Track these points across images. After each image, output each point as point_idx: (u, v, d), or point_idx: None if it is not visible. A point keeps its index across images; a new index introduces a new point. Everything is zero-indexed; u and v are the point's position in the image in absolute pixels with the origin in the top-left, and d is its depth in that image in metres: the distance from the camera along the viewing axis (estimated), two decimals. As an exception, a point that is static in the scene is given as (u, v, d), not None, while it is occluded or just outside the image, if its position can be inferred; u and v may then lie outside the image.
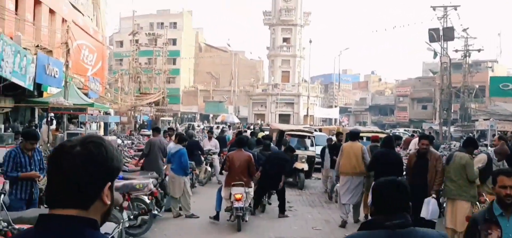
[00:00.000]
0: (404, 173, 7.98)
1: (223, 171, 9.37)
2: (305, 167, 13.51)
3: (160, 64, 71.63)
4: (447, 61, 29.38)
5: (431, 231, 2.39)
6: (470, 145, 7.07)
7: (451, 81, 29.89)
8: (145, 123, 34.04)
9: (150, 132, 27.48)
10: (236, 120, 50.33)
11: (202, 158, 13.69)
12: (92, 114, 18.72)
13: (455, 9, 38.49)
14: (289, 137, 14.54)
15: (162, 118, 34.13)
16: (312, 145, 14.94)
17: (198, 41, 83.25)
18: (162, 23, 75.11)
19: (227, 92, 63.60)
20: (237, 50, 73.21)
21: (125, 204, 7.33)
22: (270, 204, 10.58)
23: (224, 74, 70.30)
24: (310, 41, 46.32)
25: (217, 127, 31.01)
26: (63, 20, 24.45)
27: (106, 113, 21.56)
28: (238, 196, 8.23)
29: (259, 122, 48.97)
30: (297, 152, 13.22)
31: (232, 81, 58.39)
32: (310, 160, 14.03)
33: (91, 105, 21.00)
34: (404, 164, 8.40)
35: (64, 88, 19.20)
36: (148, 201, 7.89)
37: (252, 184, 8.78)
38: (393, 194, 2.14)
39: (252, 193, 8.77)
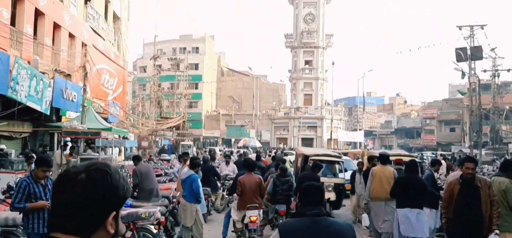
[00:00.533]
0: (442, 205, 6.75)
1: (235, 194, 9.28)
2: (332, 196, 11.80)
3: (182, 89, 72.30)
4: (475, 81, 28.13)
5: (339, 220, 3.45)
6: (510, 168, 6.20)
7: (480, 102, 28.57)
8: (166, 148, 33.70)
9: (170, 157, 27.11)
10: (258, 144, 49.62)
11: (219, 184, 13.05)
12: (107, 139, 18.34)
13: (482, 29, 37.34)
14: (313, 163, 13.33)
15: (182, 142, 33.73)
16: (341, 171, 13.20)
17: (220, 65, 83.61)
18: (184, 48, 75.89)
19: (249, 116, 63.22)
20: (259, 74, 73.10)
21: (128, 234, 6.71)
22: None
23: (246, 98, 70.14)
24: (333, 63, 45.63)
25: (238, 152, 30.45)
26: (83, 45, 24.49)
27: (125, 137, 21.23)
28: (253, 218, 8.38)
29: (281, 145, 48.17)
30: (323, 179, 11.33)
31: (254, 104, 57.91)
32: (338, 188, 12.20)
33: (109, 129, 20.73)
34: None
35: (82, 112, 18.96)
36: (154, 231, 7.28)
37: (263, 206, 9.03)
38: (312, 192, 3.16)
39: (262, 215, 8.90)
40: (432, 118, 68.91)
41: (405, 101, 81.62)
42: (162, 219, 7.76)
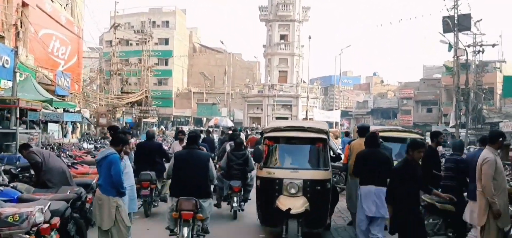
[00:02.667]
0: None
1: None
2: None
3: (146, 62, 68.57)
4: (462, 54, 26.00)
5: None
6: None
7: (468, 76, 26.49)
8: (127, 125, 30.54)
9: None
10: (230, 123, 46.84)
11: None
12: (36, 111, 15.06)
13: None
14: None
15: (145, 120, 30.60)
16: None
17: (192, 41, 79.86)
18: (154, 22, 71.87)
19: (222, 95, 60.21)
20: (233, 52, 69.93)
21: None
22: (243, 210, 9.47)
23: (219, 76, 66.87)
24: (310, 38, 42.88)
25: (208, 131, 27.49)
26: (24, 4, 21.05)
27: (66, 110, 18.09)
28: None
29: (254, 125, 45.57)
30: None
31: (226, 82, 54.94)
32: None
33: (48, 101, 17.57)
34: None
35: (13, 80, 15.76)
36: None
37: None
38: None
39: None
40: (409, 98, 67.57)
41: (382, 81, 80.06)
42: (55, 221, 4.99)
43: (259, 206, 7.44)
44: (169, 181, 9.54)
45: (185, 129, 38.73)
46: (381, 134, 8.06)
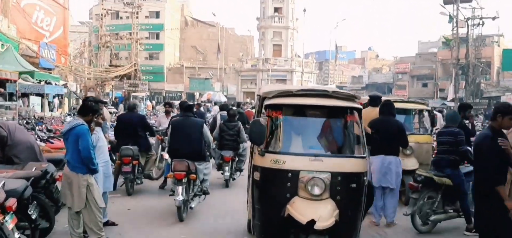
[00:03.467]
0: None
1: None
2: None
3: (142, 39, 67.04)
4: (463, 25, 25.16)
5: None
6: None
7: (468, 48, 25.71)
8: (116, 100, 29.58)
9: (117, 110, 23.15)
10: (223, 98, 45.96)
11: (153, 140, 9.51)
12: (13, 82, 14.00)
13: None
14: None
15: (134, 94, 29.62)
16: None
17: (183, 15, 78.09)
18: (144, -6, 69.96)
19: (215, 70, 59.04)
20: (226, 26, 68.48)
21: None
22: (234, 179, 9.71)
23: (212, 50, 65.47)
24: (305, 10, 41.86)
25: (199, 105, 26.61)
26: (2, -30, 19.85)
27: (48, 82, 17.13)
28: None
29: (248, 100, 44.77)
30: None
31: (219, 56, 53.77)
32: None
33: (29, 73, 16.59)
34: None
35: (-11, 50, 14.74)
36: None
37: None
38: None
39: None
40: (404, 73, 67.02)
41: (377, 56, 79.23)
42: (10, 203, 4.20)
43: (257, 213, 4.72)
44: (154, 157, 8.82)
45: (176, 103, 37.90)
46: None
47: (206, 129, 7.15)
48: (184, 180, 6.45)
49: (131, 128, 8.15)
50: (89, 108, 5.16)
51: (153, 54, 68.27)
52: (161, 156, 9.55)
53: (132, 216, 6.96)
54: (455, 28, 34.72)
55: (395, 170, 6.38)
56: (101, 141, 5.77)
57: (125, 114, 9.14)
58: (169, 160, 8.11)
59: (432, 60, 63.11)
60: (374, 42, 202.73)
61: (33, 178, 4.92)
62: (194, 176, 6.69)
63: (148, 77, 61.34)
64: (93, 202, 5.04)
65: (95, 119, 5.37)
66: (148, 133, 8.63)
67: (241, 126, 9.65)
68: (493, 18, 32.32)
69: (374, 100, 7.62)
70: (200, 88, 54.34)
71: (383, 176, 6.34)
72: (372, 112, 6.94)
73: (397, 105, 8.44)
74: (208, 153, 7.58)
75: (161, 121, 10.28)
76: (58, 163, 6.16)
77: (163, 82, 67.09)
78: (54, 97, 19.76)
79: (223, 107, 12.75)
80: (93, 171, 5.05)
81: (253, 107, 23.92)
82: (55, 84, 19.63)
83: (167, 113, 10.13)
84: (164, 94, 66.58)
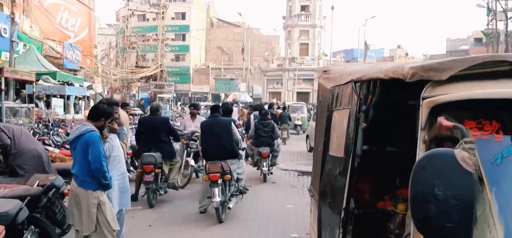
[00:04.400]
0: None
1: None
2: None
3: (168, 41, 66.96)
4: (502, 17, 23.55)
5: None
6: None
7: (506, 42, 24.04)
8: (142, 101, 29.12)
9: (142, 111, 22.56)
10: (249, 99, 45.14)
11: (179, 146, 8.71)
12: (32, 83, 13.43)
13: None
14: None
15: (160, 95, 29.07)
16: None
17: (209, 16, 77.78)
18: (170, -4, 70.07)
19: (240, 70, 58.31)
20: (251, 27, 67.73)
21: None
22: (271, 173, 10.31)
23: (237, 51, 64.76)
24: (332, 8, 40.51)
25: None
26: (26, -30, 19.53)
27: (69, 84, 16.59)
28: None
29: (274, 100, 43.81)
30: None
31: (245, 56, 52.99)
32: None
33: (51, 75, 16.11)
34: None
35: (10, 50, 14.30)
36: None
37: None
38: None
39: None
40: (435, 71, 64.69)
41: (407, 54, 76.91)
42: None
43: None
44: (178, 164, 8.01)
45: (202, 105, 37.31)
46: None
47: (234, 128, 7.02)
48: (220, 181, 6.41)
49: (154, 133, 7.37)
50: (101, 112, 4.37)
51: (179, 55, 68.20)
52: (187, 162, 8.77)
53: (153, 233, 6.14)
54: (492, 22, 33.05)
55: None
56: (117, 149, 4.96)
57: (147, 117, 8.40)
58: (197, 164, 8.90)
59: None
60: (403, 40, 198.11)
61: (28, 197, 4.11)
62: (229, 176, 6.61)
63: (174, 79, 61.28)
64: (105, 224, 4.24)
65: (109, 124, 4.57)
66: (172, 138, 7.81)
67: (275, 124, 10.47)
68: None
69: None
70: (226, 89, 53.67)
71: None
72: None
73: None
74: (239, 151, 7.25)
75: (186, 123, 9.50)
76: (65, 175, 5.39)
77: (189, 83, 66.89)
78: (79, 99, 19.27)
79: (256, 107, 13.76)
80: (105, 186, 4.25)
81: (278, 108, 23.05)
82: (80, 85, 19.16)
83: (192, 115, 9.34)
84: (190, 96, 66.33)
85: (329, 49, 47.66)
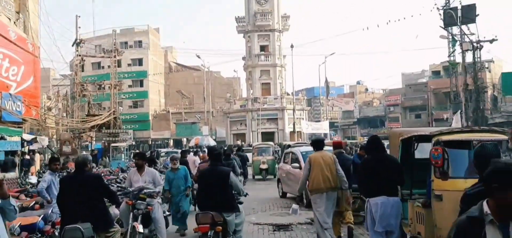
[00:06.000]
0: None
1: None
2: None
3: (125, 88, 64.70)
4: (469, 47, 23.34)
5: None
6: None
7: (476, 71, 23.82)
8: (94, 152, 26.86)
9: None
10: (212, 142, 43.41)
11: (119, 211, 6.95)
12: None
13: (458, -4, 33.07)
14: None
15: (114, 144, 26.90)
16: None
17: (167, 60, 76.47)
18: (126, 43, 68.54)
19: (202, 113, 56.68)
20: (212, 70, 66.90)
21: None
22: None
23: (198, 95, 63.43)
24: (292, 46, 40.14)
25: (189, 152, 23.88)
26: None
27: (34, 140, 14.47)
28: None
29: (239, 142, 42.29)
30: None
31: (206, 98, 51.57)
32: None
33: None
34: None
35: None
36: None
37: None
38: None
39: None
40: (396, 105, 65.45)
41: (366, 89, 77.89)
42: None
43: None
44: (118, 234, 6.21)
45: (163, 151, 35.19)
46: (447, 138, 5.64)
47: (233, 177, 6.54)
48: (210, 233, 6.01)
49: (80, 196, 5.56)
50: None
51: (137, 102, 66.18)
52: (134, 228, 6.95)
53: None
54: (453, 54, 33.23)
55: (396, 212, 5.94)
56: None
57: (68, 176, 6.58)
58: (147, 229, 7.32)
59: (423, 90, 61.99)
60: (362, 76, 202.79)
61: None
62: (220, 228, 6.13)
63: (132, 126, 58.88)
64: None
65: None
66: (107, 201, 6.04)
67: (235, 163, 10.94)
68: (491, 41, 30.76)
69: (317, 144, 7.75)
70: (187, 134, 51.78)
71: (386, 219, 5.82)
72: (324, 156, 7.41)
73: (458, 136, 6.09)
74: (237, 202, 6.83)
75: (132, 178, 7.70)
76: None
77: (149, 130, 64.58)
78: (11, 155, 16.99)
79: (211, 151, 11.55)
80: None
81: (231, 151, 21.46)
82: (21, 139, 16.96)
83: (139, 168, 7.59)
84: (150, 143, 63.84)
85: (291, 88, 46.99)
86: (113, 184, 9.29)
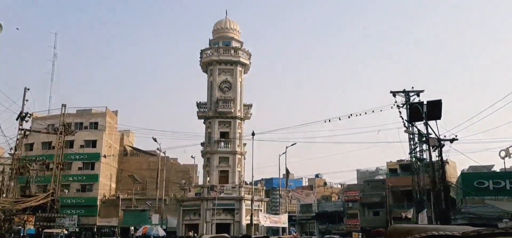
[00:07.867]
0: None
1: None
2: None
3: (75, 170, 60.84)
4: (436, 143, 22.90)
5: None
6: None
7: (444, 170, 23.25)
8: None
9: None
10: (162, 233, 40.32)
11: None
12: None
13: (418, 95, 33.54)
14: None
15: (48, 230, 23.77)
16: None
17: (123, 144, 73.56)
18: (81, 123, 65.88)
19: (154, 200, 53.41)
20: (169, 156, 64.60)
21: None
22: None
23: (152, 181, 60.31)
24: (253, 134, 39.06)
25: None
26: None
27: None
28: None
29: (190, 233, 39.45)
30: None
31: (159, 185, 48.82)
32: None
33: None
34: None
35: None
36: None
37: None
38: None
39: None
40: (354, 201, 64.44)
41: (325, 184, 77.15)
42: None
43: None
44: None
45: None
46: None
47: None
48: None
49: None
50: None
51: (86, 185, 62.17)
52: None
53: None
54: (414, 151, 32.93)
55: None
56: None
57: None
58: None
59: (381, 187, 61.72)
60: (321, 169, 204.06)
61: None
62: None
63: (78, 211, 54.76)
64: None
65: None
66: None
67: None
68: (452, 141, 30.79)
69: None
70: (136, 222, 48.24)
71: None
72: None
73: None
74: None
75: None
76: None
77: (96, 216, 60.09)
78: None
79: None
80: None
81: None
82: None
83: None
84: (95, 230, 59.08)
85: (250, 177, 45.23)
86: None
